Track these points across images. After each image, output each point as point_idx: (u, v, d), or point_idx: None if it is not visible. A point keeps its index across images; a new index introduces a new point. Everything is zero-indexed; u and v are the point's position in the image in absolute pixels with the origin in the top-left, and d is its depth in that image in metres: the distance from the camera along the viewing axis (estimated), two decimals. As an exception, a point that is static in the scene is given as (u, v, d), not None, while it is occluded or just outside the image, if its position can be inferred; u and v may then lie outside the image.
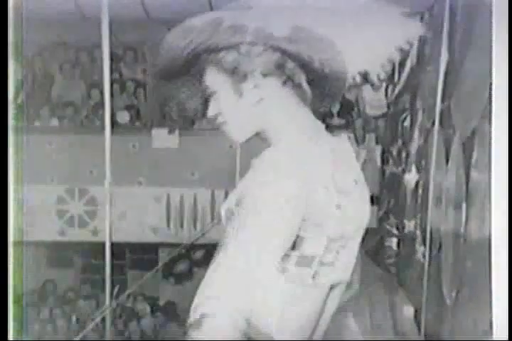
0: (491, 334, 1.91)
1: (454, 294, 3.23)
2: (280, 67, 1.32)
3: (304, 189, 1.25)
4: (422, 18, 4.97)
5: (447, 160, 3.51)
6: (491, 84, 1.89)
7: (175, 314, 7.59)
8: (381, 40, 1.33)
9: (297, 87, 1.35)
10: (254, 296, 1.24)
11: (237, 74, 1.34)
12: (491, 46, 1.95)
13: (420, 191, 4.44)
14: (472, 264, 2.92)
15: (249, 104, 1.38)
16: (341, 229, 1.31)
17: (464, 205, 3.12)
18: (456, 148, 3.35)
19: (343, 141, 1.43)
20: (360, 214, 1.39)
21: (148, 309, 7.54)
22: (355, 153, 1.46)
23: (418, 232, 4.33)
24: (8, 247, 1.97)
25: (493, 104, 1.89)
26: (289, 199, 1.25)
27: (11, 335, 1.95)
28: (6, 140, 1.92)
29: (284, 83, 1.34)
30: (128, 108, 7.60)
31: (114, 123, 7.13)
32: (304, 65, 1.31)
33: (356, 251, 1.41)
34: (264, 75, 1.33)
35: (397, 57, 1.36)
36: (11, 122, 1.98)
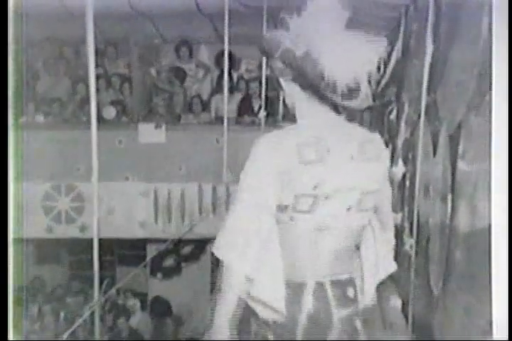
0: (491, 334, 1.92)
1: (440, 285, 3.25)
2: (295, 80, 1.86)
3: (284, 162, 1.81)
4: (406, 12, 4.99)
5: (435, 153, 3.52)
6: (490, 82, 1.91)
7: (163, 309, 7.59)
8: (353, 63, 1.77)
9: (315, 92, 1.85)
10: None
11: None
12: (490, 45, 1.97)
13: (407, 183, 4.45)
14: (460, 255, 2.94)
15: (284, 96, 1.98)
16: (311, 190, 1.81)
17: (449, 197, 3.14)
18: (443, 140, 3.36)
19: (352, 125, 1.98)
20: (345, 181, 1.85)
21: (137, 304, 7.52)
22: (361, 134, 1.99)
23: (406, 224, 4.35)
24: (9, 246, 1.96)
25: (493, 95, 1.92)
26: (272, 170, 1.81)
27: (11, 335, 1.95)
28: (6, 138, 1.90)
29: (303, 88, 1.86)
30: (114, 103, 7.56)
31: (100, 118, 7.11)
32: (309, 80, 1.81)
33: (349, 206, 1.88)
34: (287, 82, 1.89)
35: (365, 74, 1.82)
36: (11, 120, 1.96)
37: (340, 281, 1.93)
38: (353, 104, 1.85)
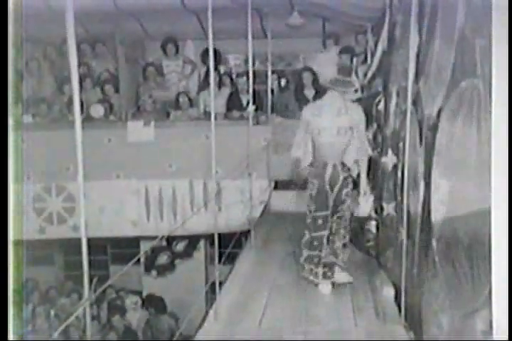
0: (491, 334, 1.93)
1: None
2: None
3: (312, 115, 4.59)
4: (391, 2, 4.99)
5: (422, 142, 3.51)
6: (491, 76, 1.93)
7: (158, 306, 7.57)
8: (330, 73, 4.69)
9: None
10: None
11: None
12: (490, 44, 1.98)
13: (399, 174, 4.44)
14: (435, 243, 2.95)
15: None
16: (319, 126, 4.49)
17: (421, 184, 3.15)
18: (426, 129, 3.37)
19: (341, 98, 4.57)
20: (331, 123, 4.46)
21: (138, 302, 7.48)
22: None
23: (400, 215, 4.33)
24: (8, 247, 1.94)
25: (494, 91, 1.93)
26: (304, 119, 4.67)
27: (11, 335, 1.94)
28: (6, 139, 1.88)
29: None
30: (101, 102, 7.52)
31: (88, 117, 7.07)
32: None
33: (334, 133, 4.49)
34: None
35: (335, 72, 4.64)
36: (10, 121, 1.95)
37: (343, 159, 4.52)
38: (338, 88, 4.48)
